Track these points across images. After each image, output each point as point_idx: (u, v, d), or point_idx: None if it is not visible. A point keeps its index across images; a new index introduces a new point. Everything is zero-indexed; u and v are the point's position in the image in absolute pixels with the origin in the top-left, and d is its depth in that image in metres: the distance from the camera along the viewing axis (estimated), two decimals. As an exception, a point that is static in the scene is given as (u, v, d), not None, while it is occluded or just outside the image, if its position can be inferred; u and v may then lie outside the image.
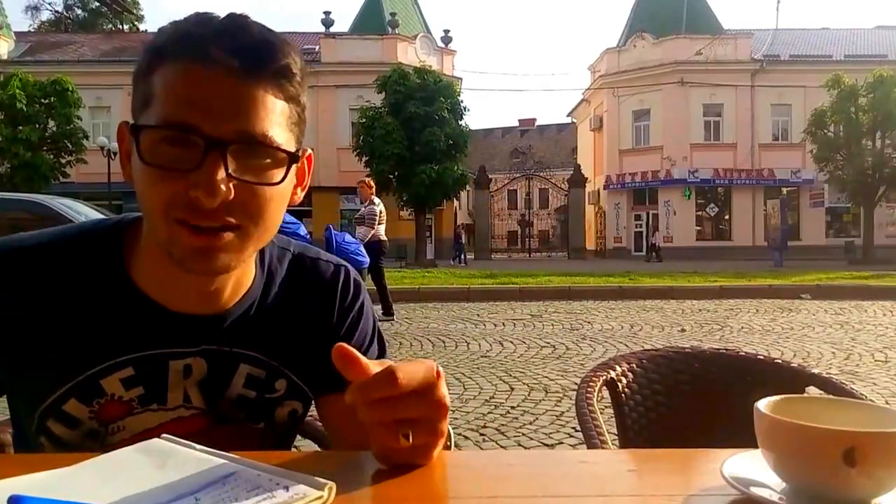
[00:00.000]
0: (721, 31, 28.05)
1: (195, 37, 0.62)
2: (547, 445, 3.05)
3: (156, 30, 0.73)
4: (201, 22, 0.64)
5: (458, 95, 21.65)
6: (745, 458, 0.54)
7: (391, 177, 20.54)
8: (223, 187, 0.60)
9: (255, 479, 0.49)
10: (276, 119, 0.64)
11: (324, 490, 0.48)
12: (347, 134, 24.03)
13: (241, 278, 0.75)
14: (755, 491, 0.49)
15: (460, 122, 21.25)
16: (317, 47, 26.60)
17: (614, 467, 0.64)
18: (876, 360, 4.97)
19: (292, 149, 0.66)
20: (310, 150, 0.73)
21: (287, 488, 0.48)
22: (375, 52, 26.63)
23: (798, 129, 24.08)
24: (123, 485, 0.48)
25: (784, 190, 26.34)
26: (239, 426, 0.77)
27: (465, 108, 21.29)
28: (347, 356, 0.54)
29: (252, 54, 0.62)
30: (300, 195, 0.73)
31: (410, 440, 0.56)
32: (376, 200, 7.53)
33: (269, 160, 0.64)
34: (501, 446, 3.04)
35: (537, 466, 0.64)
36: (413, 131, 19.99)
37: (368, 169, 20.75)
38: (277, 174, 0.65)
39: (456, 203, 28.87)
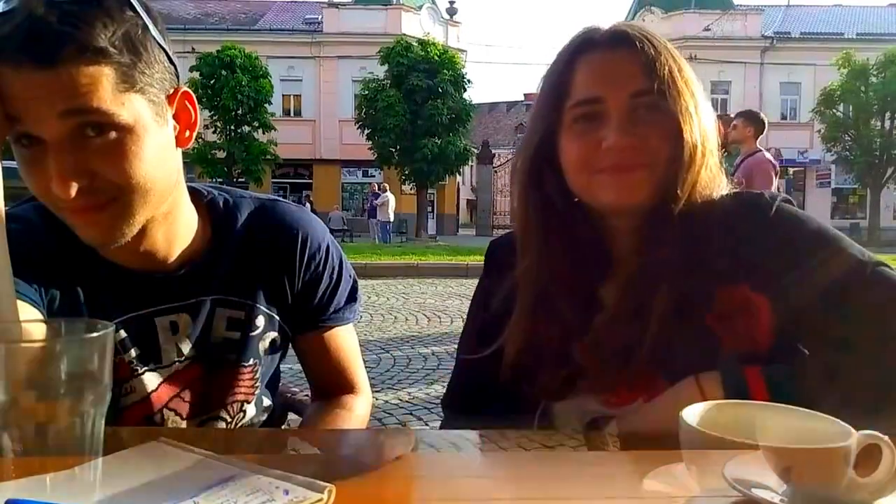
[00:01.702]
0: (731, 6, 27.51)
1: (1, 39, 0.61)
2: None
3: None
4: (2, 21, 0.62)
5: (462, 68, 21.36)
6: (746, 459, 0.54)
7: (393, 150, 20.39)
8: (73, 182, 0.63)
9: (255, 482, 0.49)
10: (98, 93, 0.62)
11: (323, 493, 0.48)
12: (350, 106, 23.75)
13: (185, 227, 0.79)
14: (757, 493, 0.49)
15: (463, 96, 21.02)
16: (319, 17, 26.17)
17: (616, 469, 0.64)
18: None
19: (125, 113, 0.64)
20: (185, 88, 0.72)
21: (286, 491, 0.48)
22: (379, 23, 26.18)
23: (807, 108, 23.79)
24: (122, 488, 0.48)
25: (790, 170, 26.14)
26: (233, 369, 0.84)
27: (468, 81, 21.03)
28: None
29: (49, 44, 0.60)
30: (189, 136, 0.73)
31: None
32: None
33: (112, 132, 0.64)
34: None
35: (539, 468, 0.63)
36: (415, 104, 19.77)
37: (370, 142, 20.61)
38: (128, 139, 0.65)
39: (458, 178, 28.71)
